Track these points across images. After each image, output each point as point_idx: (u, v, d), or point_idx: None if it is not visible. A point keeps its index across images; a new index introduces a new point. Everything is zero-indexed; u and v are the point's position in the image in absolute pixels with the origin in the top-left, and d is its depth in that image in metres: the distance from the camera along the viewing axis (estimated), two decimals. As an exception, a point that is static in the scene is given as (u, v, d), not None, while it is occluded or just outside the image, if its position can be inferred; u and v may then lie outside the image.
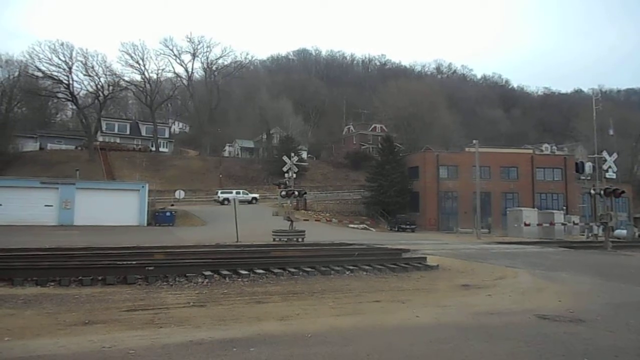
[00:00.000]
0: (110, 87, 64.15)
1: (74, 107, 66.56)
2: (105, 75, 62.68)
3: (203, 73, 76.84)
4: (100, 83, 62.07)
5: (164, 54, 70.56)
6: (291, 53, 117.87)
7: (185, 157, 68.98)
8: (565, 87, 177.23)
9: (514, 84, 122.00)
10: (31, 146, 62.65)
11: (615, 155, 23.66)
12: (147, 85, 68.61)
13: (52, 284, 9.30)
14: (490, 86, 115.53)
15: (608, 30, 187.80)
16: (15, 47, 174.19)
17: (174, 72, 74.99)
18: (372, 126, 77.90)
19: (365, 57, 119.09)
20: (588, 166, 26.45)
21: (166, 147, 73.47)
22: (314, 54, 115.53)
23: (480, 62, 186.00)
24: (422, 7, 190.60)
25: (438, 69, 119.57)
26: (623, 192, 23.66)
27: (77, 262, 11.36)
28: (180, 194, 42.81)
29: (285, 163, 27.69)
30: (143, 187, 37.43)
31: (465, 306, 8.07)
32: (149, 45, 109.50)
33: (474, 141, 39.82)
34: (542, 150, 66.48)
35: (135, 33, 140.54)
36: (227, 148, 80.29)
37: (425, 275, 12.08)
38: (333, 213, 48.87)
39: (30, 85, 58.49)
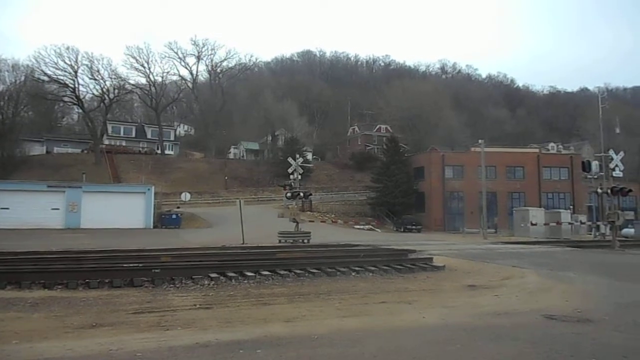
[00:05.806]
0: (116, 91, 64.55)
1: (80, 110, 67.08)
2: (111, 78, 63.20)
3: (208, 75, 77.36)
4: (105, 86, 62.58)
5: (168, 57, 71.22)
6: (295, 54, 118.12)
7: (190, 160, 69.17)
8: (571, 85, 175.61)
9: (519, 83, 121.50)
10: (38, 150, 62.97)
11: (622, 154, 23.51)
12: (152, 88, 69.06)
13: (60, 286, 9.32)
14: (495, 85, 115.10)
15: (612, 28, 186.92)
16: (21, 52, 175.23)
17: (179, 75, 75.80)
18: (377, 127, 77.77)
19: (370, 58, 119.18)
20: (595, 165, 26.38)
21: (172, 150, 73.71)
22: (318, 55, 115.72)
23: (485, 62, 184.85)
24: (426, 6, 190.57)
25: (442, 68, 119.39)
26: (630, 190, 23.46)
27: (84, 265, 11.40)
28: (186, 196, 42.94)
29: (290, 164, 27.72)
30: (149, 189, 37.64)
31: (472, 307, 8.04)
32: (153, 48, 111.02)
33: (480, 141, 39.63)
34: (548, 150, 66.14)
35: (140, 36, 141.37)
36: (232, 150, 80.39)
37: (432, 275, 12.03)
38: (338, 214, 48.88)
39: (36, 89, 58.85)
